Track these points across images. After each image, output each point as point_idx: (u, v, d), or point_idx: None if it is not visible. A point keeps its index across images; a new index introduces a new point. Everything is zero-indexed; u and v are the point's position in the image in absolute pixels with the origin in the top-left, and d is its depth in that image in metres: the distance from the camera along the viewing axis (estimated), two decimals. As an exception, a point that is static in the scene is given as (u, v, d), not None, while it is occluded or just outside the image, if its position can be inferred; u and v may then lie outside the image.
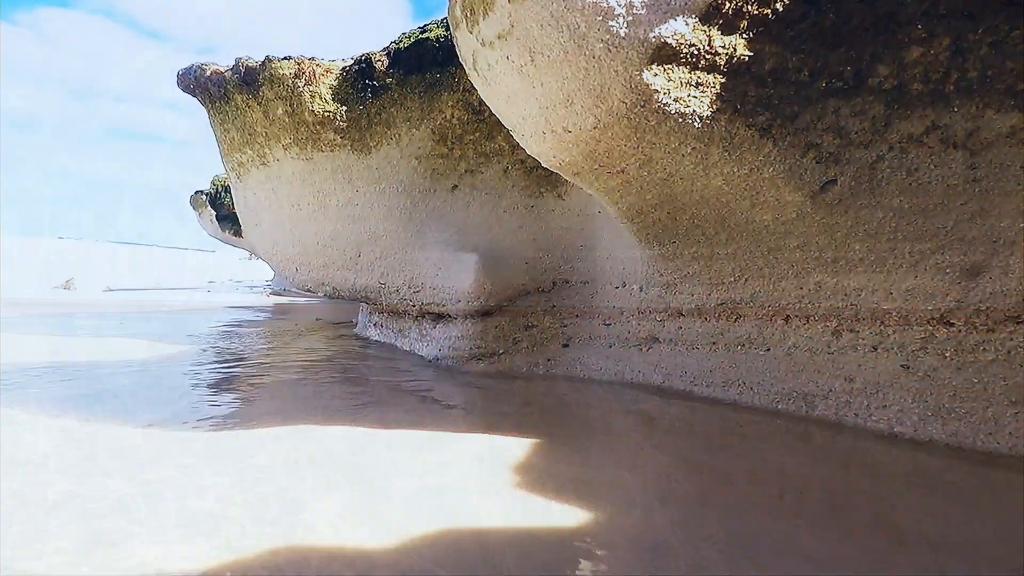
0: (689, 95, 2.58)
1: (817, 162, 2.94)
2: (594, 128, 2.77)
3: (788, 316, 3.90)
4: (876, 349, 3.53)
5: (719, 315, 4.26)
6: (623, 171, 3.19)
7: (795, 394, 3.86)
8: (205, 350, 5.93)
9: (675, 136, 2.79)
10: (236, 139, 5.95)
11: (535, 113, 2.88)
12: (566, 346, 5.24)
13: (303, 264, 6.35)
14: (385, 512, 2.28)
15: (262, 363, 5.44)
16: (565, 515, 2.30)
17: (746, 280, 4.01)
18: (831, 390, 3.70)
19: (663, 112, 2.62)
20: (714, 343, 4.31)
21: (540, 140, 3.05)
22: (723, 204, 3.36)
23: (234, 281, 20.81)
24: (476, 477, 2.71)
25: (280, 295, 14.60)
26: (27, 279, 14.92)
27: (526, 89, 2.78)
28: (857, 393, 3.59)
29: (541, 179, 5.25)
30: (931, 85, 2.71)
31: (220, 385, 4.44)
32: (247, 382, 4.65)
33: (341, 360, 5.65)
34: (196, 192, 16.22)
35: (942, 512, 2.52)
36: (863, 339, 3.58)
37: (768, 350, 4.02)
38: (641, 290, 4.71)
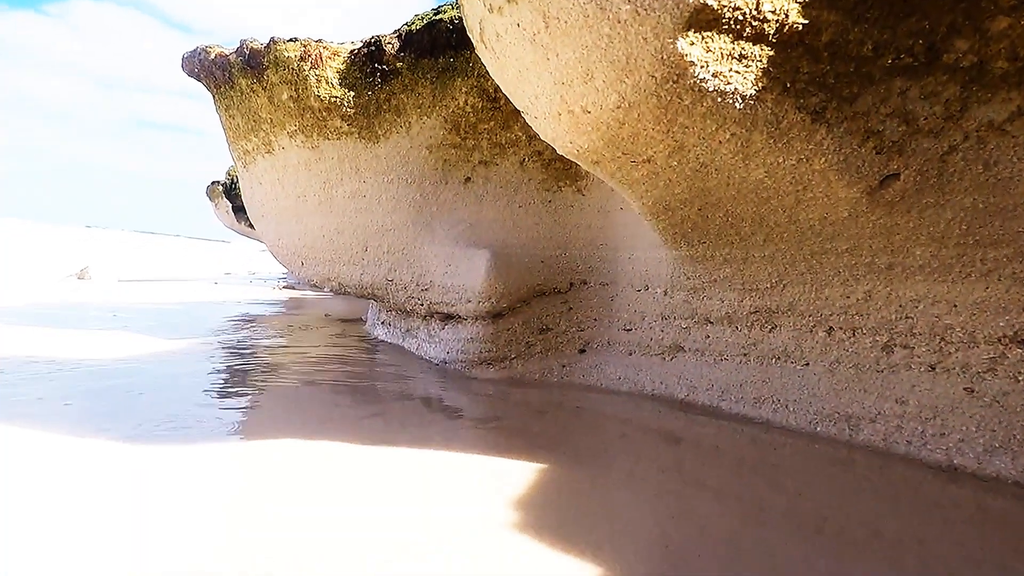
0: (730, 70, 2.20)
1: (877, 152, 2.53)
2: (617, 108, 2.39)
3: (831, 328, 3.48)
4: (934, 369, 3.11)
5: (752, 324, 3.86)
6: (649, 160, 2.81)
7: (837, 416, 3.44)
8: (206, 349, 5.69)
9: (712, 119, 2.40)
10: (241, 126, 5.71)
11: (549, 90, 2.51)
12: (582, 352, 4.87)
13: (309, 258, 6.09)
14: (367, 553, 1.97)
15: (263, 365, 5.18)
16: (572, 566, 1.95)
17: (784, 286, 3.60)
18: (879, 413, 3.28)
19: (699, 89, 2.24)
20: (745, 355, 3.91)
21: (555, 122, 2.69)
22: (763, 200, 2.96)
23: (250, 273, 20.81)
24: (474, 511, 2.38)
25: (293, 289, 14.44)
26: (46, 267, 15.00)
27: (539, 62, 2.42)
28: (910, 418, 3.17)
29: (559, 172, 4.89)
30: (1019, 63, 2.28)
31: (209, 389, 4.17)
32: (243, 388, 4.37)
33: (347, 364, 5.36)
34: (212, 182, 16.15)
35: (1015, 568, 2.12)
36: (919, 357, 3.16)
37: (807, 365, 3.61)
38: (665, 294, 4.32)
